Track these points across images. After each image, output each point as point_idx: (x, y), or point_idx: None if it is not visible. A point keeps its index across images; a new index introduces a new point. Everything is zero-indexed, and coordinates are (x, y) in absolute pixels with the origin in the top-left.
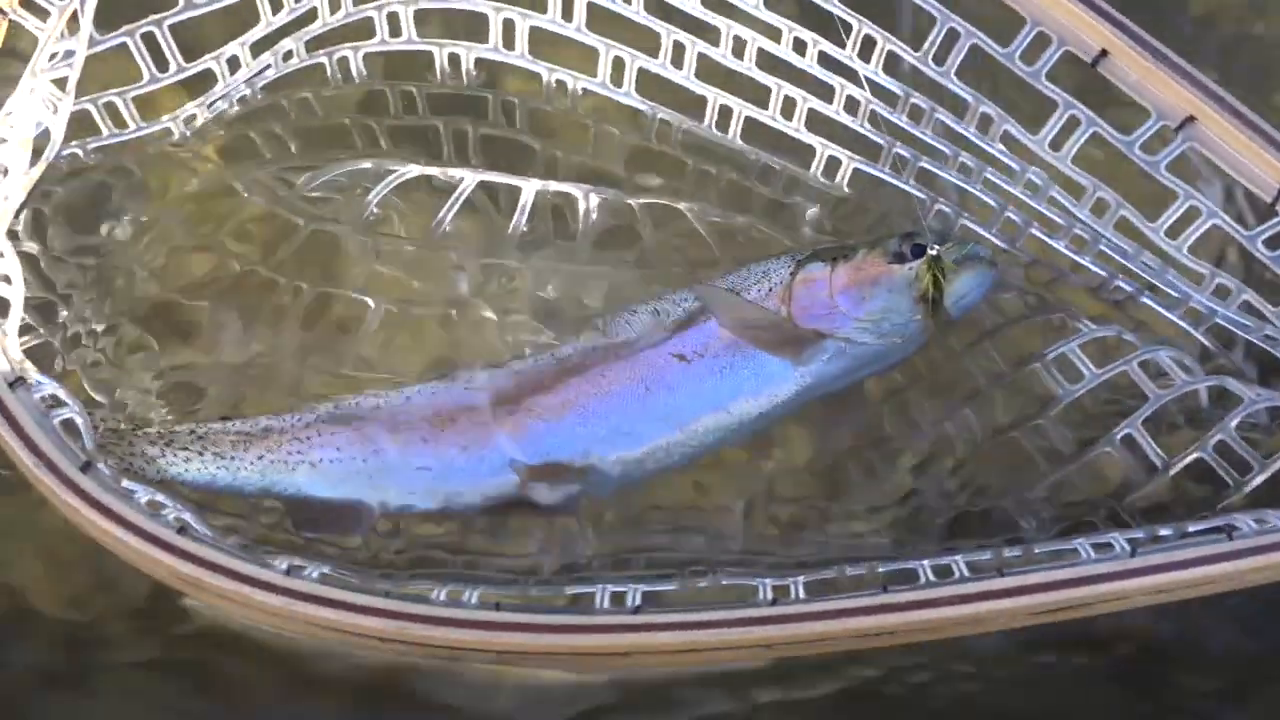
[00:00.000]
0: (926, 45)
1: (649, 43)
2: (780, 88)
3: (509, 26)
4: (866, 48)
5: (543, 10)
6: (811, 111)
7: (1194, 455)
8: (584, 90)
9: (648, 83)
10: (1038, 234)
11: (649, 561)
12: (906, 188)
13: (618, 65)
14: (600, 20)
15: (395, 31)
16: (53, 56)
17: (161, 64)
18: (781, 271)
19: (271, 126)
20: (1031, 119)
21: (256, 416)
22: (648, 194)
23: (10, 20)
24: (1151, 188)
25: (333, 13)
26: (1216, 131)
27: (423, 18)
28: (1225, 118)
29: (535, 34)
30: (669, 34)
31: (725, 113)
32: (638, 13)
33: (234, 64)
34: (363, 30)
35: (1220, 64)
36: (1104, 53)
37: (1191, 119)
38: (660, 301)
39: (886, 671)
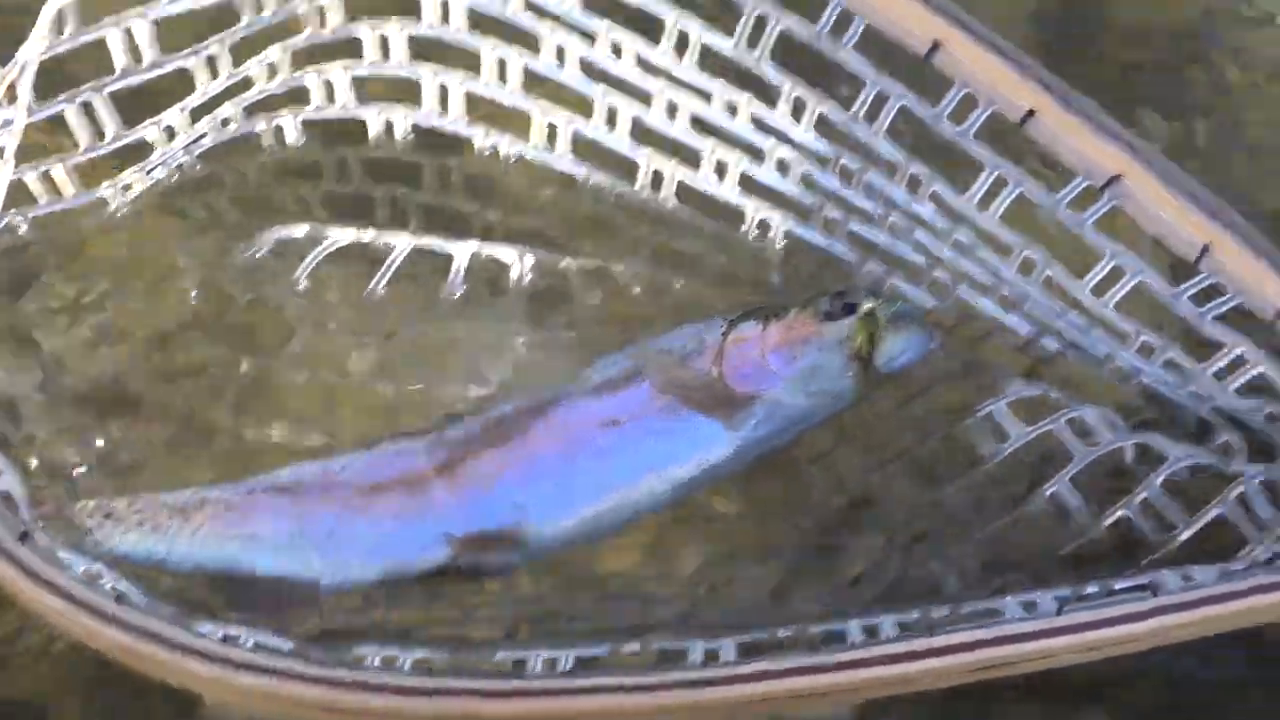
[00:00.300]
0: (856, 106)
1: (583, 106)
2: (713, 150)
3: (444, 92)
4: (798, 109)
5: (477, 74)
6: (743, 174)
7: (1120, 512)
8: (519, 154)
9: (581, 146)
10: (967, 293)
11: (583, 626)
12: (839, 248)
13: (551, 129)
14: (534, 84)
15: (331, 98)
16: None
17: (99, 132)
18: (714, 332)
19: (209, 195)
20: (962, 179)
21: (194, 488)
22: (582, 256)
23: None
24: (1079, 246)
25: (269, 79)
26: (1142, 190)
27: (359, 84)
28: (1151, 177)
29: (470, 99)
30: (604, 96)
31: (658, 176)
32: (572, 76)
33: (171, 132)
34: (299, 96)
35: None
36: (1031, 112)
37: (1117, 178)
38: (593, 364)
39: None
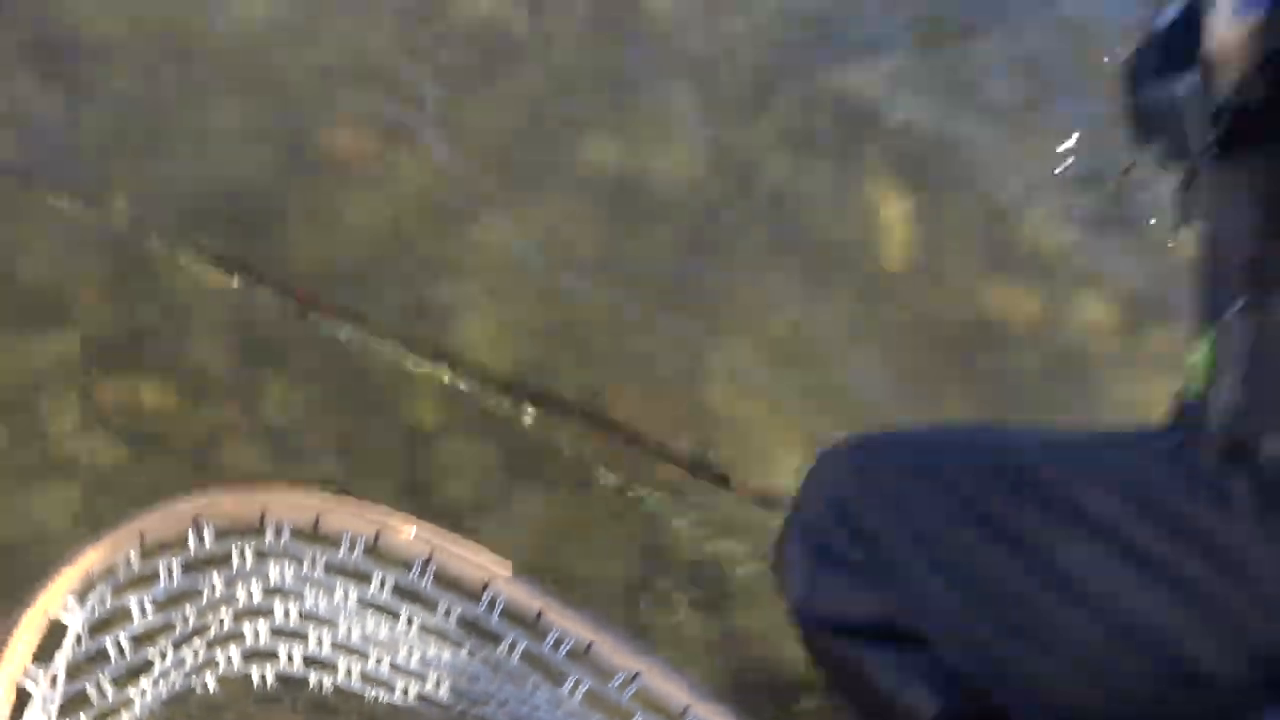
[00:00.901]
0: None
1: (363, 655)
2: (436, 676)
3: (290, 653)
4: (472, 652)
5: (306, 642)
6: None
7: None
8: (334, 684)
9: (365, 677)
10: None
11: None
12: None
13: (349, 669)
14: (339, 647)
15: (230, 664)
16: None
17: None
18: None
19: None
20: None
21: None
22: None
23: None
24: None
25: (194, 658)
26: (655, 680)
27: (245, 654)
28: (662, 674)
29: (305, 657)
30: (374, 650)
31: (405, 690)
32: (358, 639)
33: (144, 693)
34: (213, 664)
35: None
36: (591, 643)
37: (638, 673)
38: None
39: None
